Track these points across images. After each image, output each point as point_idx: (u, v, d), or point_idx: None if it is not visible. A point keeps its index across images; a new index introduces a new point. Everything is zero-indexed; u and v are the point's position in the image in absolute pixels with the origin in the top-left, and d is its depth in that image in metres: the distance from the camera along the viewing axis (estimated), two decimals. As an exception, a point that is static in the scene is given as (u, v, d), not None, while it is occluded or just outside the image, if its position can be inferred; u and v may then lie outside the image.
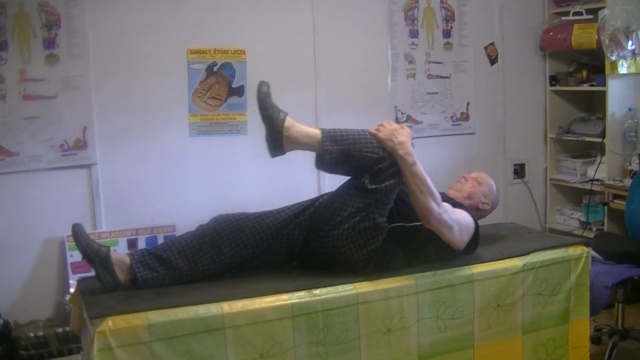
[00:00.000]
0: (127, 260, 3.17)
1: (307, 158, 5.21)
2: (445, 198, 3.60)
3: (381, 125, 3.35)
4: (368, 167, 3.25)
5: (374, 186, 3.23)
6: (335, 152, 3.26)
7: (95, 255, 3.10)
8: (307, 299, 3.11)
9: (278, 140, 3.25)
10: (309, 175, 5.21)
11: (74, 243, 3.16)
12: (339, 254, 3.28)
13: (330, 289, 3.17)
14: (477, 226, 3.51)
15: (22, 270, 4.60)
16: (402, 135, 3.28)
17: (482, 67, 5.87)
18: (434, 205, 3.25)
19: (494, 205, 3.93)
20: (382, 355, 3.27)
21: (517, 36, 6.00)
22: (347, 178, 3.41)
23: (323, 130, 3.31)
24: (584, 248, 3.76)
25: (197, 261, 3.24)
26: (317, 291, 3.14)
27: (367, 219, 3.25)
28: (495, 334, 3.54)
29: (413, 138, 3.35)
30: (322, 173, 5.19)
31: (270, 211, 3.46)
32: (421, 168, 3.26)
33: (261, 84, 3.29)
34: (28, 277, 4.61)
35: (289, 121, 3.25)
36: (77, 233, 3.13)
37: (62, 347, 4.36)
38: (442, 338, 3.40)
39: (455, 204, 3.56)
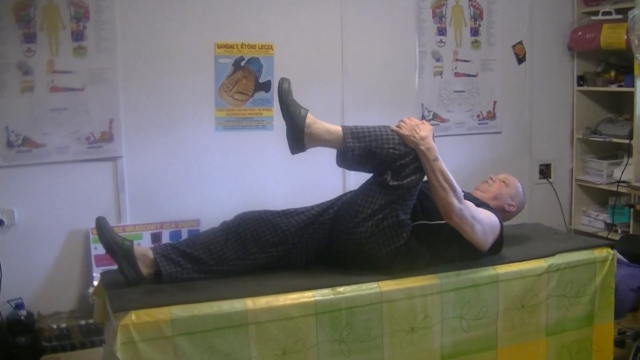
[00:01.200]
0: (151, 254, 3.18)
1: (332, 155, 5.21)
2: (470, 198, 3.59)
3: (402, 121, 3.34)
4: (390, 164, 3.24)
5: (396, 183, 3.22)
6: (357, 149, 3.25)
7: (118, 248, 3.11)
8: (331, 296, 3.10)
9: (299, 137, 3.26)
10: (334, 172, 5.17)
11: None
12: (362, 252, 3.27)
13: (354, 286, 3.16)
14: (502, 227, 3.49)
15: (46, 262, 4.63)
16: (423, 131, 3.27)
17: (509, 66, 5.84)
18: (455, 200, 3.24)
19: (520, 207, 3.90)
20: (405, 354, 3.26)
21: (545, 35, 5.96)
22: (369, 175, 3.40)
23: (344, 127, 3.31)
24: (610, 250, 3.73)
25: (222, 257, 3.24)
26: (341, 289, 3.13)
27: (390, 216, 3.24)
28: (518, 335, 3.52)
29: (435, 135, 3.33)
30: (347, 170, 5.18)
31: (295, 209, 3.45)
32: (443, 164, 3.26)
33: (282, 80, 3.27)
34: (52, 269, 4.64)
35: (310, 118, 3.26)
36: (101, 226, 3.14)
37: (84, 340, 4.39)
38: (465, 338, 3.39)
39: (480, 204, 3.55)
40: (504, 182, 3.88)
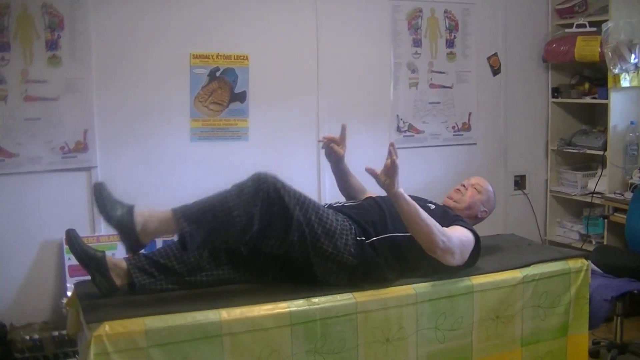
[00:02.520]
0: (124, 264, 3.15)
1: (308, 165, 5.23)
2: (443, 210, 3.60)
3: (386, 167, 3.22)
4: (252, 233, 3.05)
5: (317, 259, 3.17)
6: (196, 231, 3.00)
7: (90, 260, 3.06)
8: (306, 307, 3.09)
9: (133, 238, 3.00)
10: (309, 182, 5.18)
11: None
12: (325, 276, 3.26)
13: (329, 297, 3.15)
14: (477, 240, 3.48)
15: (19, 273, 4.59)
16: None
17: (484, 78, 5.87)
18: (438, 236, 3.20)
19: (492, 210, 3.91)
20: (380, 366, 3.26)
21: (520, 47, 6.00)
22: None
23: (175, 211, 3.03)
24: (584, 261, 3.74)
25: (195, 267, 3.21)
26: (315, 299, 3.12)
27: (319, 253, 3.19)
28: (494, 346, 3.52)
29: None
30: (323, 179, 5.19)
31: None
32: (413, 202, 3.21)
33: (98, 185, 3.06)
34: (25, 280, 4.60)
35: (138, 213, 3.02)
36: (72, 238, 3.07)
37: (57, 351, 4.35)
38: (440, 349, 3.38)
39: (455, 218, 3.55)
40: (475, 188, 3.86)
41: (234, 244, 3.15)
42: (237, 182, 3.11)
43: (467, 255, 3.40)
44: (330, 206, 3.55)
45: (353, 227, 3.28)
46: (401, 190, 3.17)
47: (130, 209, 3.01)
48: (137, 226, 2.98)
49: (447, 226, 3.39)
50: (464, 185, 3.91)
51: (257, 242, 3.11)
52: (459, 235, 3.36)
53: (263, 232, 3.08)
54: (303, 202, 3.14)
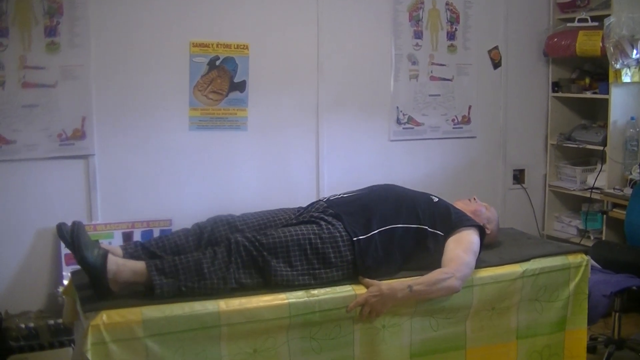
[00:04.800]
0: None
1: (306, 155, 5.21)
2: (446, 206, 3.61)
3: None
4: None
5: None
6: (166, 286, 2.97)
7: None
8: (305, 299, 3.09)
9: (104, 285, 2.94)
10: (307, 173, 5.17)
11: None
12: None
13: (328, 289, 3.15)
14: (482, 236, 3.52)
15: (14, 261, 4.56)
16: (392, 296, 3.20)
17: (485, 71, 5.85)
18: (453, 282, 3.24)
19: (494, 235, 3.90)
20: (375, 351, 3.25)
21: (521, 41, 5.98)
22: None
23: (149, 264, 3.00)
24: (584, 256, 3.75)
25: None
26: (315, 291, 3.12)
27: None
28: (488, 337, 3.53)
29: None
30: (322, 170, 5.18)
31: (270, 220, 3.45)
32: (419, 284, 3.21)
33: (75, 225, 2.95)
34: (21, 268, 4.57)
35: (112, 260, 2.95)
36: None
37: (53, 339, 4.32)
38: (433, 337, 3.39)
39: (457, 218, 3.55)
40: (484, 204, 3.91)
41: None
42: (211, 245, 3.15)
43: (478, 254, 3.44)
44: (328, 200, 3.54)
45: (343, 233, 3.28)
46: (400, 294, 3.19)
47: (104, 254, 2.94)
48: (109, 274, 2.92)
49: (449, 231, 3.45)
50: (475, 199, 3.97)
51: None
52: (465, 250, 3.38)
53: (244, 287, 3.09)
54: (284, 246, 3.15)
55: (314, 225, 3.27)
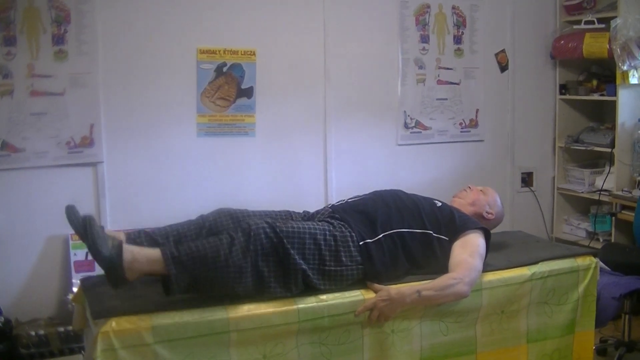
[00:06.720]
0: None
1: (314, 161, 5.22)
2: (450, 210, 3.60)
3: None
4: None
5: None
6: (182, 276, 2.94)
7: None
8: (314, 304, 3.08)
9: (119, 275, 2.91)
10: (316, 178, 5.18)
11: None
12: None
13: (337, 294, 3.14)
14: (487, 238, 3.50)
15: (24, 268, 4.58)
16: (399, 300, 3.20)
17: (492, 74, 5.84)
18: (460, 287, 3.23)
19: (499, 217, 3.90)
20: (385, 356, 3.25)
21: (528, 44, 5.97)
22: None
23: (165, 252, 2.96)
24: (593, 259, 3.73)
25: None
26: (324, 297, 3.11)
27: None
28: (498, 341, 3.52)
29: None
30: (330, 176, 5.18)
31: (275, 212, 3.48)
32: (426, 289, 3.21)
33: (87, 218, 2.91)
34: (31, 275, 4.59)
35: (127, 250, 2.93)
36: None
37: (63, 346, 4.34)
38: (444, 341, 3.38)
39: (461, 221, 3.54)
40: (480, 190, 3.91)
41: (223, 293, 3.03)
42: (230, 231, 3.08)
43: (484, 257, 3.43)
44: (333, 206, 3.56)
45: (353, 234, 3.27)
46: (409, 299, 3.19)
47: (119, 245, 2.92)
48: (125, 263, 2.89)
49: (454, 236, 3.44)
50: (470, 187, 3.96)
51: (254, 292, 3.05)
52: (471, 254, 3.37)
53: (260, 281, 3.03)
54: (300, 238, 3.12)
55: (326, 224, 3.28)
